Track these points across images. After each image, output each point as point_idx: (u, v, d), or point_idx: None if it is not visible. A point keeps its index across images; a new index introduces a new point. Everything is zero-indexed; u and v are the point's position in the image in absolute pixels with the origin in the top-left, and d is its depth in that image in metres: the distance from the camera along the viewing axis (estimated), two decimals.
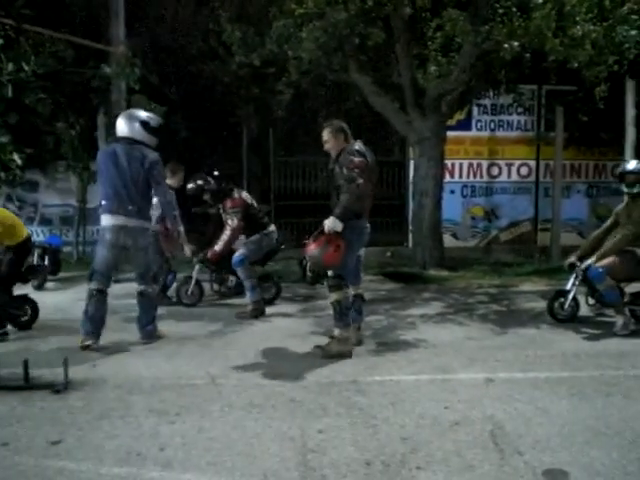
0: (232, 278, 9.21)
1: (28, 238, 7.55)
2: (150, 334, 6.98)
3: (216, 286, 9.43)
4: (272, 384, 5.59)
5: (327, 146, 6.67)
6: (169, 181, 9.22)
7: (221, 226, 8.74)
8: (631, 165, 7.87)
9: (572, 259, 7.92)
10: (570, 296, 7.80)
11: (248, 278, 8.46)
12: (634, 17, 11.00)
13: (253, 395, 5.31)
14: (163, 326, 7.30)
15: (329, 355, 6.32)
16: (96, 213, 12.82)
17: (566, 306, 7.82)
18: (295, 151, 15.26)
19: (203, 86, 14.00)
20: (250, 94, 14.44)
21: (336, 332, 6.45)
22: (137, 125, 6.81)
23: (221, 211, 8.77)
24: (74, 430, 4.58)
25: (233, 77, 13.79)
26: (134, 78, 11.69)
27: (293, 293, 10.10)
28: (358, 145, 6.53)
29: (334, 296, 6.39)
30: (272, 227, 8.90)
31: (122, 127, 6.84)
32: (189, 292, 8.95)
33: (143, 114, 7.04)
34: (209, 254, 8.56)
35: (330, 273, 6.36)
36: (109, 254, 6.80)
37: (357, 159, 6.31)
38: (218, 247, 8.45)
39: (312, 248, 6.25)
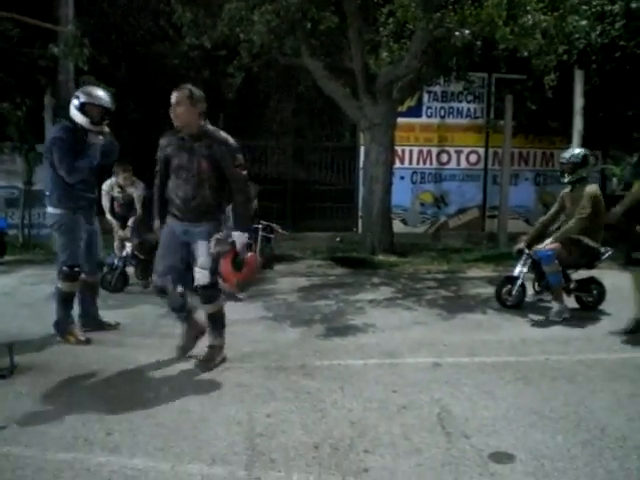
0: None
1: None
2: (57, 331, 6.38)
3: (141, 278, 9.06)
4: (219, 369, 5.57)
5: (181, 120, 5.38)
6: (119, 180, 9.04)
7: None
8: (564, 155, 7.99)
9: (521, 245, 8.01)
10: (518, 282, 7.90)
11: None
12: (584, 7, 11.17)
13: (200, 380, 5.29)
14: (111, 312, 7.20)
15: (213, 367, 5.59)
16: (42, 195, 12.70)
17: (514, 292, 7.91)
18: (246, 135, 15.15)
19: (153, 68, 13.83)
20: (200, 77, 14.29)
21: (216, 341, 5.74)
22: (71, 103, 6.31)
23: None
24: (19, 415, 4.51)
25: (183, 59, 13.66)
26: (83, 58, 11.44)
27: None
28: (227, 135, 5.52)
29: (211, 308, 5.66)
30: None
31: None
32: (113, 280, 8.76)
33: (79, 90, 6.49)
34: None
35: (207, 282, 5.48)
36: None
37: (242, 158, 5.51)
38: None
39: (240, 278, 5.56)
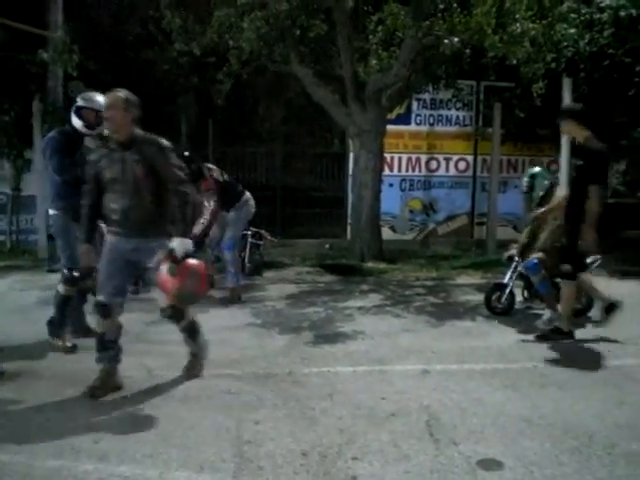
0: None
1: None
2: (49, 330, 6.36)
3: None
4: (208, 376, 5.56)
5: (113, 125, 5.12)
6: None
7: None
8: (523, 191, 8.22)
9: (512, 252, 8.04)
10: (507, 290, 7.92)
11: (234, 263, 8.52)
12: (573, 16, 11.21)
13: (189, 387, 5.28)
14: None
15: (198, 373, 5.54)
16: (30, 201, 12.66)
17: (503, 299, 7.94)
18: (234, 141, 15.16)
19: (142, 74, 13.80)
20: (190, 83, 14.29)
21: (195, 348, 5.58)
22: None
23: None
24: (7, 422, 4.50)
25: (172, 65, 13.63)
26: (72, 64, 11.41)
27: None
28: (158, 137, 5.24)
29: (181, 324, 5.48)
30: (247, 194, 8.77)
31: None
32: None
33: (79, 95, 6.63)
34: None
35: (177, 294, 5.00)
36: None
37: (177, 159, 5.26)
38: (197, 229, 8.14)
39: (177, 286, 4.91)
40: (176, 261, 4.88)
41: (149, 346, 6.40)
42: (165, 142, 5.18)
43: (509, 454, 4.07)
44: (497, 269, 9.68)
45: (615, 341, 6.86)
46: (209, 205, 8.22)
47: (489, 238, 13.90)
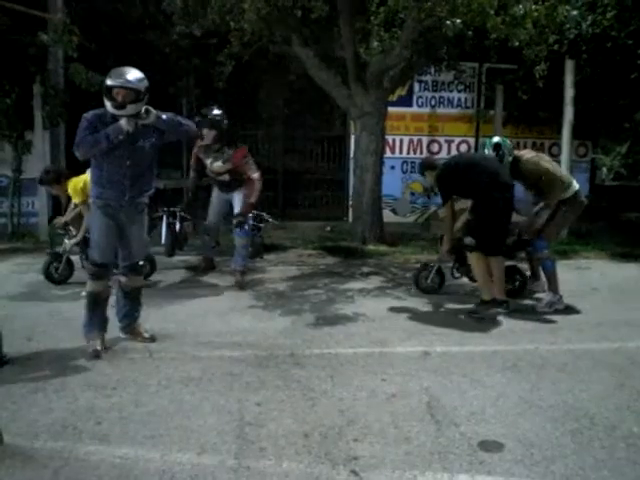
0: None
1: None
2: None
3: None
4: (210, 357, 5.58)
5: None
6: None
7: None
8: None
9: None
10: (434, 269, 8.19)
11: (246, 247, 8.52)
12: None
13: (190, 369, 5.29)
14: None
15: None
16: (31, 184, 12.62)
17: (430, 278, 8.20)
18: (235, 124, 15.11)
19: (142, 56, 13.73)
20: (190, 65, 14.23)
21: None
22: None
23: (221, 163, 8.36)
24: (8, 404, 4.50)
25: (173, 47, 13.57)
26: (72, 46, 11.37)
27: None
28: None
29: None
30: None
31: None
32: (59, 269, 8.34)
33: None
34: (243, 209, 8.26)
35: None
36: None
37: None
38: (253, 199, 8.21)
39: None
40: None
41: (151, 328, 6.39)
42: None
43: (509, 435, 4.09)
44: None
45: (614, 324, 6.86)
46: (254, 172, 8.27)
47: None
